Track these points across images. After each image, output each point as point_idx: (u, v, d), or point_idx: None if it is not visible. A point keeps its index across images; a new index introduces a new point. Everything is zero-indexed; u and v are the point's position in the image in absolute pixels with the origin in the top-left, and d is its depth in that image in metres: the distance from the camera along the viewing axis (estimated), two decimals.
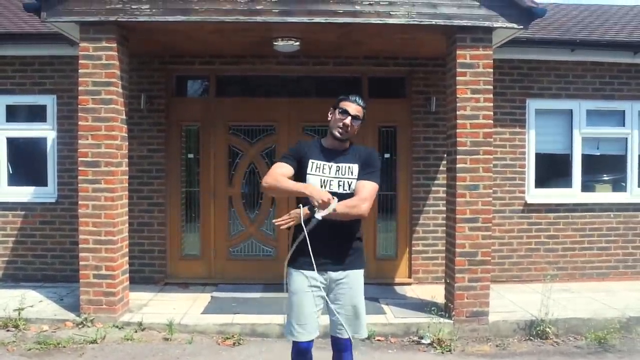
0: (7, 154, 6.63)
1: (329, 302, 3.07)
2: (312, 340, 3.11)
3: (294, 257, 3.05)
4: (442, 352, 4.76)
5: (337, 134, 3.10)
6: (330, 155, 3.13)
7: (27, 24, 6.67)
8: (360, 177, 3.08)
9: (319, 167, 3.09)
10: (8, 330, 4.99)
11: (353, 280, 3.12)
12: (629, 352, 4.82)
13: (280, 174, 3.04)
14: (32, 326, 5.08)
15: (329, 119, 3.17)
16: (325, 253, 3.02)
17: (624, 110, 6.87)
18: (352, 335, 3.11)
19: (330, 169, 3.09)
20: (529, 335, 5.17)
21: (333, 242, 3.06)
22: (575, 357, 4.74)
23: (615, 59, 6.74)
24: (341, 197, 2.98)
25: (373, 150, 3.39)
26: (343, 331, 3.08)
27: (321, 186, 3.04)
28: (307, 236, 2.89)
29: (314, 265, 2.94)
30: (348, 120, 3.06)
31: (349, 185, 3.07)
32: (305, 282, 3.04)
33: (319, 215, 2.87)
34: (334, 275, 3.08)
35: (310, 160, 3.09)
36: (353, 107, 3.09)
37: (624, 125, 6.89)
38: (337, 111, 3.12)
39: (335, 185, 3.07)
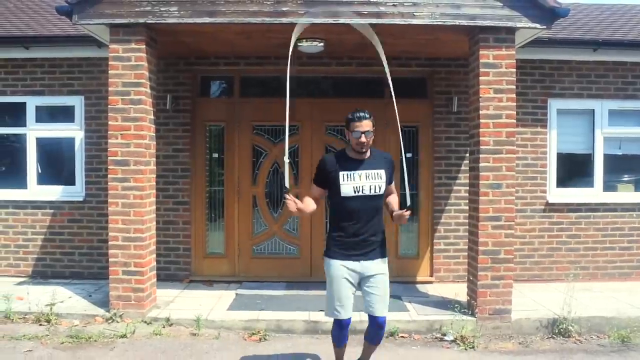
0: (36, 154, 6.80)
1: (366, 287, 3.64)
2: (350, 318, 3.69)
3: (332, 251, 3.64)
4: (466, 349, 4.81)
5: (360, 151, 3.64)
6: (357, 164, 3.65)
7: (57, 27, 6.86)
8: (389, 182, 3.75)
9: (350, 177, 3.61)
10: (41, 325, 5.13)
11: (384, 268, 3.71)
12: None
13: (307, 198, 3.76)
14: (63, 321, 5.21)
15: (347, 137, 3.70)
16: (361, 247, 3.62)
17: None
18: (381, 315, 3.66)
19: (360, 176, 3.62)
20: (551, 333, 5.19)
21: (367, 238, 3.64)
22: (598, 355, 4.75)
23: (637, 59, 6.72)
24: (372, 198, 3.62)
25: (390, 155, 3.91)
26: (377, 310, 3.64)
27: (355, 190, 3.58)
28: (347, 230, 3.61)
29: (350, 256, 3.59)
30: (363, 138, 3.57)
31: (380, 188, 3.65)
32: (343, 270, 3.60)
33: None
34: (368, 264, 3.63)
35: (341, 173, 3.60)
36: (363, 124, 3.57)
37: None
38: (351, 134, 3.61)
39: (367, 189, 3.61)
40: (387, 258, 3.76)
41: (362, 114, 3.59)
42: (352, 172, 3.61)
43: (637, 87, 6.82)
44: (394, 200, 3.87)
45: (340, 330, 3.74)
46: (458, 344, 4.91)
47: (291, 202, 3.52)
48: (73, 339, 4.78)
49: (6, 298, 5.34)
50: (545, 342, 5.06)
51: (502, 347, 4.94)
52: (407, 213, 3.57)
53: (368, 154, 3.68)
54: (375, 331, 3.76)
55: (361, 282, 3.66)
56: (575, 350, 4.86)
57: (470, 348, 4.83)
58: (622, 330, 5.08)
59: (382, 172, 3.65)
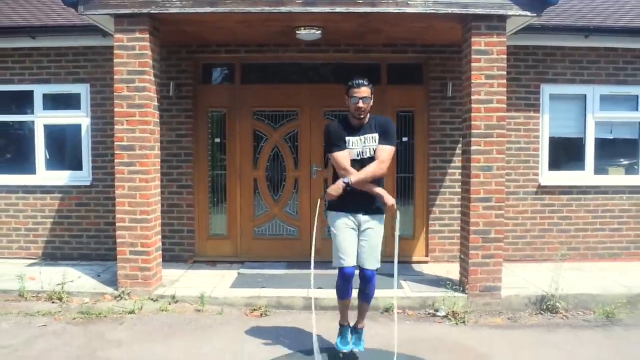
0: (44, 141, 7.02)
1: (360, 239, 3.95)
2: (354, 267, 3.94)
3: (335, 205, 3.92)
4: (456, 324, 5.05)
5: (357, 118, 3.90)
6: (357, 130, 3.94)
7: (61, 16, 7.02)
8: (380, 142, 3.92)
9: (354, 142, 3.92)
10: (53, 302, 5.39)
11: (378, 222, 3.99)
12: (635, 326, 5.04)
13: (347, 165, 3.92)
14: (74, 299, 5.47)
15: (346, 104, 3.93)
16: (357, 202, 3.88)
17: (637, 95, 7.02)
18: (370, 268, 3.97)
19: (359, 141, 3.92)
20: (539, 309, 5.42)
21: (362, 194, 3.88)
22: (583, 329, 4.98)
23: (629, 45, 6.88)
24: (369, 160, 3.89)
25: (388, 119, 4.16)
26: (367, 262, 3.95)
27: (357, 154, 3.90)
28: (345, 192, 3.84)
29: (352, 209, 3.89)
30: (360, 103, 3.84)
31: (374, 150, 3.91)
32: (344, 222, 3.92)
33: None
34: (362, 217, 3.93)
35: (347, 138, 3.91)
36: (361, 90, 3.84)
37: (637, 110, 7.04)
38: (350, 100, 3.87)
39: (367, 152, 3.92)
40: (383, 216, 4.02)
41: (360, 82, 3.85)
42: (355, 138, 3.92)
43: (628, 72, 6.98)
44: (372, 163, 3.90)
45: (343, 281, 3.97)
46: (449, 319, 5.15)
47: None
48: (84, 314, 5.03)
49: (20, 277, 5.61)
50: (533, 318, 5.29)
51: (492, 322, 5.18)
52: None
53: (366, 119, 3.95)
54: (364, 283, 4.02)
55: (358, 234, 3.95)
56: (561, 325, 5.09)
57: (461, 323, 5.07)
58: (607, 306, 5.30)
59: (376, 135, 3.92)
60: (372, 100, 3.90)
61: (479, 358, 4.23)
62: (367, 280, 4.02)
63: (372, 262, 3.98)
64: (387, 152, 3.91)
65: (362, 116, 3.89)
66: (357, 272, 4.03)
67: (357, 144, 3.91)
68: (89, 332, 4.65)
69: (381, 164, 3.88)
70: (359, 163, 3.90)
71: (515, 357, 4.26)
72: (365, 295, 4.10)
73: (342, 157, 3.90)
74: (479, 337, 4.71)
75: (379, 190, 3.90)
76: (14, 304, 5.34)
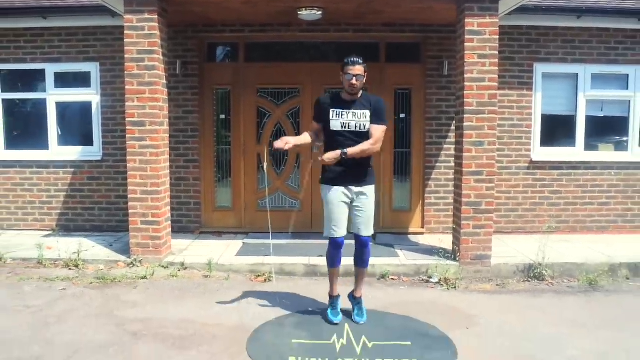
0: (56, 117, 7.31)
1: (352, 210, 4.22)
2: (344, 237, 4.23)
3: (329, 178, 4.20)
4: (448, 289, 5.39)
5: (350, 93, 4.15)
6: (348, 104, 4.17)
7: None
8: (373, 121, 4.15)
9: (339, 114, 4.15)
10: (70, 269, 5.75)
11: (370, 192, 4.25)
12: (615, 292, 5.39)
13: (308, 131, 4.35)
14: (89, 266, 5.83)
15: (341, 80, 4.15)
16: (349, 175, 4.16)
17: (628, 74, 7.26)
18: (366, 235, 4.23)
19: (348, 114, 4.15)
20: (527, 277, 5.76)
21: (354, 168, 4.15)
22: (566, 295, 5.32)
23: (620, 25, 7.10)
24: (357, 134, 4.12)
25: (380, 98, 4.34)
26: (362, 230, 4.22)
27: (342, 126, 4.13)
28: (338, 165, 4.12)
29: (344, 182, 4.16)
30: (354, 80, 4.07)
31: (364, 126, 4.15)
32: (337, 195, 4.17)
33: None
34: (356, 189, 4.19)
35: (332, 110, 4.16)
36: (355, 68, 4.07)
37: (627, 89, 7.28)
38: (344, 76, 4.09)
39: (353, 125, 4.14)
40: (373, 186, 4.29)
41: (355, 59, 4.08)
42: (341, 111, 4.14)
43: (619, 52, 7.21)
44: (363, 145, 4.10)
45: (334, 250, 4.27)
46: (442, 285, 5.49)
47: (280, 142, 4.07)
48: (100, 280, 5.39)
49: (38, 246, 5.97)
50: (520, 284, 5.63)
51: (481, 287, 5.52)
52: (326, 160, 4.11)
53: (359, 96, 4.19)
54: (359, 250, 4.31)
55: (351, 205, 4.21)
56: (546, 291, 5.43)
57: (452, 288, 5.41)
58: (590, 274, 5.63)
59: (367, 112, 4.14)
60: (365, 78, 4.14)
61: (467, 319, 4.56)
62: (363, 247, 4.30)
63: (368, 230, 4.25)
64: (380, 131, 4.17)
65: (355, 92, 4.13)
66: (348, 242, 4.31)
67: (347, 117, 4.12)
68: (105, 295, 5.00)
69: (376, 143, 4.14)
70: (344, 135, 4.12)
71: (501, 318, 4.59)
72: (362, 262, 4.39)
73: (311, 127, 4.32)
74: (469, 301, 5.05)
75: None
76: (34, 271, 5.70)
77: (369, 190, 4.25)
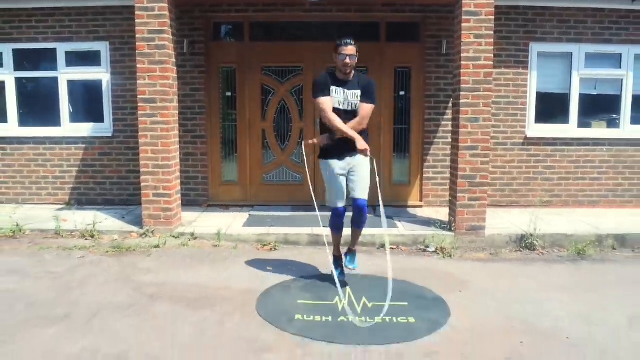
0: (68, 95, 7.57)
1: (349, 177, 4.51)
2: (345, 207, 4.57)
3: (325, 153, 4.51)
4: (444, 258, 5.71)
5: (343, 72, 4.41)
6: (342, 84, 4.44)
7: None
8: (362, 100, 4.44)
9: (337, 92, 4.44)
10: (86, 239, 6.07)
11: (364, 160, 4.49)
12: (602, 261, 5.71)
13: (332, 112, 4.43)
14: (104, 236, 6.15)
15: (334, 60, 4.39)
16: (343, 148, 4.44)
17: (621, 54, 7.49)
18: (362, 197, 4.49)
19: (343, 93, 4.44)
20: (519, 247, 6.08)
21: (348, 141, 4.40)
22: (555, 263, 5.64)
23: (614, 6, 7.30)
24: (350, 112, 4.44)
25: (371, 80, 4.62)
26: (358, 194, 4.49)
27: (338, 104, 4.42)
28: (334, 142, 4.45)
29: (341, 155, 4.45)
30: (347, 60, 4.32)
31: (355, 105, 4.45)
32: (334, 168, 4.48)
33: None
34: (350, 160, 4.48)
35: (332, 87, 4.44)
36: (348, 49, 4.31)
37: (620, 68, 7.52)
38: (338, 57, 4.34)
39: (346, 105, 4.44)
40: (367, 156, 4.49)
41: (347, 40, 4.33)
42: (339, 89, 4.42)
43: (613, 32, 7.42)
44: (353, 121, 4.41)
45: (336, 218, 4.60)
46: (438, 254, 5.82)
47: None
48: (115, 249, 5.71)
49: (55, 218, 6.29)
50: (512, 254, 5.95)
51: (475, 256, 5.84)
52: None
53: (351, 76, 4.44)
54: (357, 212, 4.56)
55: (347, 174, 4.50)
56: (537, 260, 5.75)
57: (448, 257, 5.74)
58: (579, 245, 5.95)
59: (358, 92, 4.42)
60: (357, 58, 4.38)
61: (461, 284, 4.89)
62: (359, 209, 4.54)
63: (363, 193, 4.51)
64: (368, 109, 4.45)
65: (348, 71, 4.37)
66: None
67: (341, 95, 4.41)
68: (121, 262, 5.33)
69: (362, 120, 4.44)
70: (339, 112, 4.40)
71: (493, 283, 4.91)
72: (359, 223, 4.66)
73: (326, 102, 4.41)
74: (463, 268, 5.38)
75: (353, 134, 4.36)
76: (52, 241, 6.03)
77: (363, 159, 4.49)
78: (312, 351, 3.47)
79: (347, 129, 4.37)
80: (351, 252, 4.87)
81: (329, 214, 4.69)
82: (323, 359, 3.37)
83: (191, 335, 3.68)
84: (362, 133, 4.47)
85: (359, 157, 4.47)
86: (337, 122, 4.37)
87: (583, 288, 4.80)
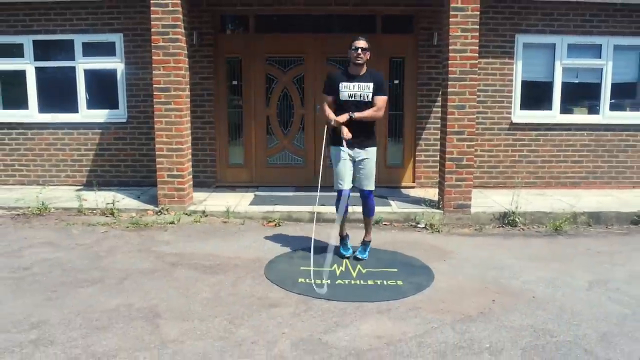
0: (84, 83, 8.10)
1: (356, 168, 5.01)
2: (349, 190, 5.03)
3: (336, 141, 4.96)
4: (432, 232, 6.31)
5: (356, 61, 4.87)
6: (354, 77, 4.93)
7: None
8: (375, 93, 4.90)
9: (347, 86, 4.91)
10: (107, 217, 6.65)
11: (371, 154, 5.03)
12: (575, 236, 6.30)
13: (326, 106, 5.02)
14: (123, 214, 6.73)
15: (349, 55, 4.92)
16: (354, 137, 4.88)
17: (601, 45, 8.01)
18: (368, 189, 5.07)
19: (354, 86, 4.91)
20: (502, 223, 6.66)
21: (358, 132, 4.90)
22: (533, 238, 6.23)
23: None
24: (363, 103, 4.89)
25: (382, 74, 5.25)
26: (365, 185, 5.05)
27: (349, 96, 4.89)
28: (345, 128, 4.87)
29: (349, 145, 4.91)
30: (359, 50, 4.84)
31: (367, 96, 4.90)
32: (342, 154, 4.94)
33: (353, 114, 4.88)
34: (358, 150, 4.97)
35: (340, 83, 4.94)
36: (360, 42, 4.87)
37: (600, 58, 8.04)
38: (351, 50, 4.89)
39: (358, 96, 4.90)
40: (375, 148, 5.04)
41: (360, 37, 4.93)
42: (348, 83, 4.89)
43: (594, 24, 7.93)
44: (369, 112, 4.88)
45: (342, 200, 5.02)
46: (427, 229, 6.41)
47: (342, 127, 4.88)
48: (134, 225, 6.31)
49: (78, 197, 6.87)
50: (495, 230, 6.54)
51: (461, 232, 6.44)
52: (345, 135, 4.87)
53: (364, 70, 4.91)
54: (364, 201, 5.14)
55: (354, 164, 4.99)
56: (517, 235, 6.34)
57: (436, 232, 6.33)
58: (557, 221, 6.54)
59: (371, 85, 4.88)
60: (369, 53, 4.87)
61: (446, 254, 5.48)
62: (365, 198, 5.13)
63: (369, 185, 5.06)
64: (382, 101, 4.93)
65: (359, 61, 4.82)
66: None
67: (353, 89, 4.86)
68: (141, 236, 5.93)
69: (378, 110, 4.92)
70: (353, 104, 4.85)
71: (474, 254, 5.50)
72: (367, 211, 5.24)
73: (326, 99, 5.01)
74: (449, 241, 5.97)
75: (339, 124, 4.85)
76: (76, 217, 6.62)
77: (371, 151, 5.00)
78: (314, 306, 4.07)
79: (335, 117, 4.87)
80: (365, 244, 5.32)
81: (327, 194, 5.24)
82: (323, 312, 3.97)
83: (209, 293, 4.29)
84: (370, 128, 4.99)
85: (368, 150, 4.97)
86: (328, 113, 4.93)
87: (554, 258, 5.40)
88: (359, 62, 4.86)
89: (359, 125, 4.88)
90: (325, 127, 5.08)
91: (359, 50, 4.83)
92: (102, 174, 8.26)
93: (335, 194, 5.13)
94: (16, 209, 6.85)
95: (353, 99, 4.89)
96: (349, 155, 4.95)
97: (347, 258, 5.21)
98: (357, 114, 4.82)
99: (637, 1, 7.80)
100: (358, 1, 7.77)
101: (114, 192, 7.64)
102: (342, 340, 3.53)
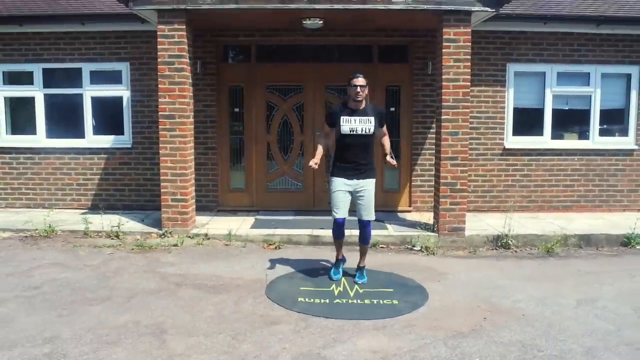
0: (91, 110, 8.39)
1: (356, 198, 5.21)
2: (345, 218, 5.23)
3: (335, 172, 5.18)
4: (428, 255, 6.51)
5: (356, 99, 5.09)
6: (354, 112, 5.13)
7: (105, 5, 8.29)
8: (379, 126, 5.21)
9: (348, 120, 5.11)
10: (112, 239, 6.86)
11: (370, 185, 5.22)
12: (566, 257, 6.50)
13: (322, 138, 5.37)
14: (127, 237, 6.94)
15: (348, 92, 5.15)
16: (354, 169, 5.15)
17: (589, 73, 8.36)
18: (366, 218, 5.27)
19: (355, 120, 5.11)
20: (495, 246, 6.88)
21: (358, 163, 5.16)
22: (525, 259, 6.42)
23: (582, 30, 8.19)
24: (363, 136, 5.11)
25: (382, 108, 5.42)
26: (363, 215, 5.24)
27: (350, 130, 5.09)
28: (346, 159, 5.16)
29: (348, 176, 5.14)
30: (358, 89, 5.05)
31: (369, 130, 5.12)
32: (339, 185, 5.17)
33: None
34: (358, 181, 5.17)
35: (341, 117, 5.13)
36: (359, 80, 5.06)
37: (588, 85, 8.39)
38: (350, 87, 5.09)
39: (360, 130, 5.10)
40: (374, 179, 5.26)
41: (358, 74, 5.11)
42: (349, 117, 5.08)
43: (582, 53, 8.29)
44: (386, 143, 5.34)
45: (337, 227, 5.31)
46: (423, 251, 6.61)
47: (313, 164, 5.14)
48: (139, 247, 6.51)
49: (84, 220, 7.08)
50: (489, 252, 6.75)
51: (456, 254, 6.64)
52: (393, 163, 5.17)
53: (363, 105, 5.11)
54: (362, 230, 5.32)
55: (353, 194, 5.19)
56: (509, 256, 6.54)
57: (431, 254, 6.53)
58: (548, 243, 6.75)
59: (372, 119, 5.09)
60: (367, 89, 5.08)
61: (440, 275, 5.68)
62: (364, 227, 5.31)
63: (368, 215, 5.24)
64: (385, 131, 5.32)
65: (359, 99, 5.03)
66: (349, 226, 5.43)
67: (354, 123, 5.06)
68: (146, 257, 6.13)
69: (387, 139, 5.36)
70: (352, 137, 5.07)
71: (467, 275, 5.69)
72: (363, 239, 5.43)
73: (324, 130, 5.28)
74: (443, 263, 6.17)
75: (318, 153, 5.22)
76: (82, 240, 6.83)
77: (370, 183, 5.20)
78: (313, 324, 4.26)
79: (320, 151, 5.23)
80: (360, 269, 5.51)
81: (326, 218, 5.46)
82: (321, 329, 4.16)
83: (213, 311, 4.48)
84: (369, 160, 5.22)
85: (367, 181, 5.18)
86: (319, 145, 5.26)
87: (544, 278, 5.60)
88: (359, 99, 5.06)
89: (359, 158, 5.14)
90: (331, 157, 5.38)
91: (358, 89, 5.02)
92: (107, 197, 8.48)
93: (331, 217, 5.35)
94: (24, 231, 7.07)
95: (354, 132, 5.08)
96: (348, 185, 5.16)
97: (335, 281, 5.36)
98: (388, 158, 5.21)
99: (622, 31, 8.17)
100: (355, 33, 8.10)
101: (119, 215, 7.86)
102: (340, 354, 3.72)
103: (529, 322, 4.35)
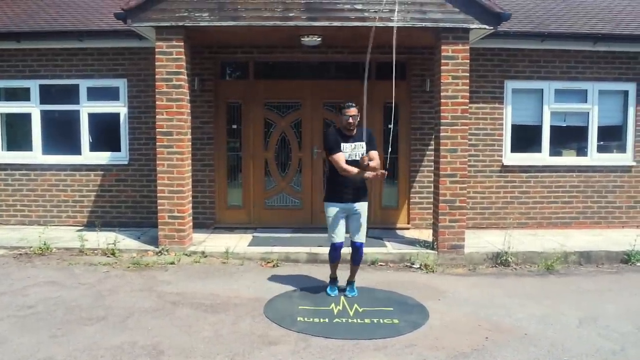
0: (88, 126, 8.35)
1: (350, 220, 5.25)
2: (342, 242, 5.27)
3: (330, 197, 5.23)
4: (427, 272, 6.45)
5: (347, 129, 5.17)
6: (348, 138, 5.19)
7: (103, 22, 8.30)
8: (369, 148, 5.17)
9: (346, 147, 5.16)
10: (108, 257, 6.78)
11: (364, 207, 5.28)
12: (566, 274, 6.46)
13: (344, 164, 5.12)
14: (123, 254, 6.86)
15: (340, 120, 5.20)
16: (346, 194, 5.17)
17: (587, 90, 8.38)
18: (359, 241, 5.28)
19: (350, 147, 5.17)
20: (495, 263, 6.82)
21: (352, 187, 5.17)
22: (526, 277, 6.38)
23: (578, 47, 8.22)
24: (357, 162, 5.08)
25: (371, 131, 5.34)
26: (356, 237, 5.27)
27: (348, 157, 5.10)
28: (340, 183, 5.16)
29: (343, 200, 5.17)
30: (350, 120, 5.12)
31: (361, 155, 5.12)
32: (336, 211, 5.19)
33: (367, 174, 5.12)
34: (352, 205, 5.20)
35: (342, 144, 5.16)
36: (350, 111, 5.13)
37: (586, 102, 8.40)
38: (342, 117, 5.15)
39: (354, 155, 5.14)
40: (367, 202, 5.30)
41: (350, 104, 5.16)
42: (347, 144, 5.14)
43: (579, 70, 8.32)
44: (375, 157, 5.15)
45: (334, 251, 5.32)
46: (422, 269, 6.55)
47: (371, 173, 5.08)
48: (135, 265, 6.43)
49: (80, 237, 7.00)
50: (488, 269, 6.70)
51: (455, 271, 6.58)
52: (383, 173, 5.04)
53: (355, 131, 5.18)
54: (354, 252, 5.32)
55: (348, 216, 5.25)
56: (509, 274, 6.49)
57: (430, 272, 6.47)
58: (548, 261, 6.71)
59: (363, 144, 5.13)
60: (358, 117, 5.10)
61: (440, 293, 5.62)
62: (356, 250, 5.34)
63: (361, 237, 5.28)
64: (377, 155, 5.22)
65: (351, 128, 5.13)
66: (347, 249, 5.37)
67: (348, 149, 5.12)
68: (143, 276, 6.05)
69: (378, 162, 5.18)
70: (349, 163, 5.07)
71: (468, 293, 5.64)
72: (355, 260, 5.43)
73: (340, 159, 5.09)
74: (443, 281, 6.11)
75: (362, 174, 5.08)
76: (78, 257, 6.74)
77: (363, 206, 5.26)
78: (312, 344, 4.19)
79: (358, 172, 5.07)
80: (351, 283, 5.53)
81: (323, 235, 5.41)
82: (321, 349, 4.09)
83: (211, 331, 4.40)
84: (363, 184, 5.25)
85: (360, 204, 5.22)
86: (352, 169, 5.05)
87: (545, 296, 5.54)
88: (351, 128, 5.14)
89: (355, 182, 5.16)
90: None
91: (350, 119, 5.10)
92: (103, 214, 8.40)
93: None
94: (18, 248, 6.99)
95: (350, 159, 5.13)
96: (344, 210, 5.20)
97: (333, 298, 5.35)
98: (372, 163, 5.07)
99: (619, 49, 8.21)
100: (352, 50, 8.10)
101: (115, 232, 7.77)
102: None
103: (531, 342, 4.29)
